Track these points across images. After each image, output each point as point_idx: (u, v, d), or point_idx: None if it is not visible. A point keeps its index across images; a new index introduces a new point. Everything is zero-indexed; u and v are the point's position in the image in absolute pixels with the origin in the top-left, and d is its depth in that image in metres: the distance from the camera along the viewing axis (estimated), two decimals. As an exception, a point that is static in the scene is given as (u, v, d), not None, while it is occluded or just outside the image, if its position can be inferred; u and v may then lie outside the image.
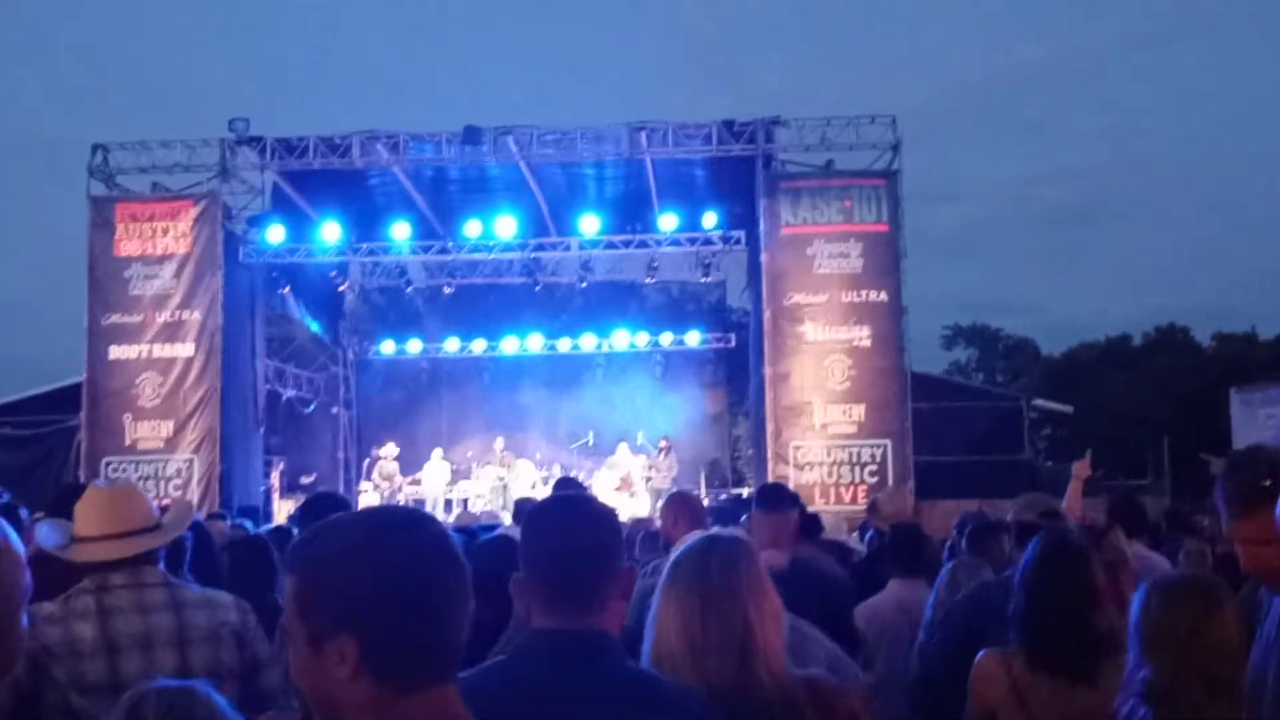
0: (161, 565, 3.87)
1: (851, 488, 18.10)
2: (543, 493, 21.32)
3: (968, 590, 4.87)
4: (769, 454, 18.51)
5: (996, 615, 3.94)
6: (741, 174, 19.58)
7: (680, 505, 5.25)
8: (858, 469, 18.33)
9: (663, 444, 21.91)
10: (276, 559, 5.66)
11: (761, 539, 4.36)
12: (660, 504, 5.72)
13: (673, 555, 2.70)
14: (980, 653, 3.68)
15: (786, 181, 19.03)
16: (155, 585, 3.77)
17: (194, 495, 18.56)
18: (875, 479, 18.09)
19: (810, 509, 16.27)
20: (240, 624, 3.83)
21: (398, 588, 1.74)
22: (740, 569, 2.63)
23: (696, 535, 2.82)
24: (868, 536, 7.66)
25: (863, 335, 18.60)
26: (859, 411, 18.48)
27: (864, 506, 12.16)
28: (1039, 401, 24.76)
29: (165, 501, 13.45)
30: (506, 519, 19.79)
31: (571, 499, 2.68)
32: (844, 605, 5.44)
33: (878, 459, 18.34)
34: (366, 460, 22.97)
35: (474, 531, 7.19)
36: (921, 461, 18.58)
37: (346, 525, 1.84)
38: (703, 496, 21.41)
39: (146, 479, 18.66)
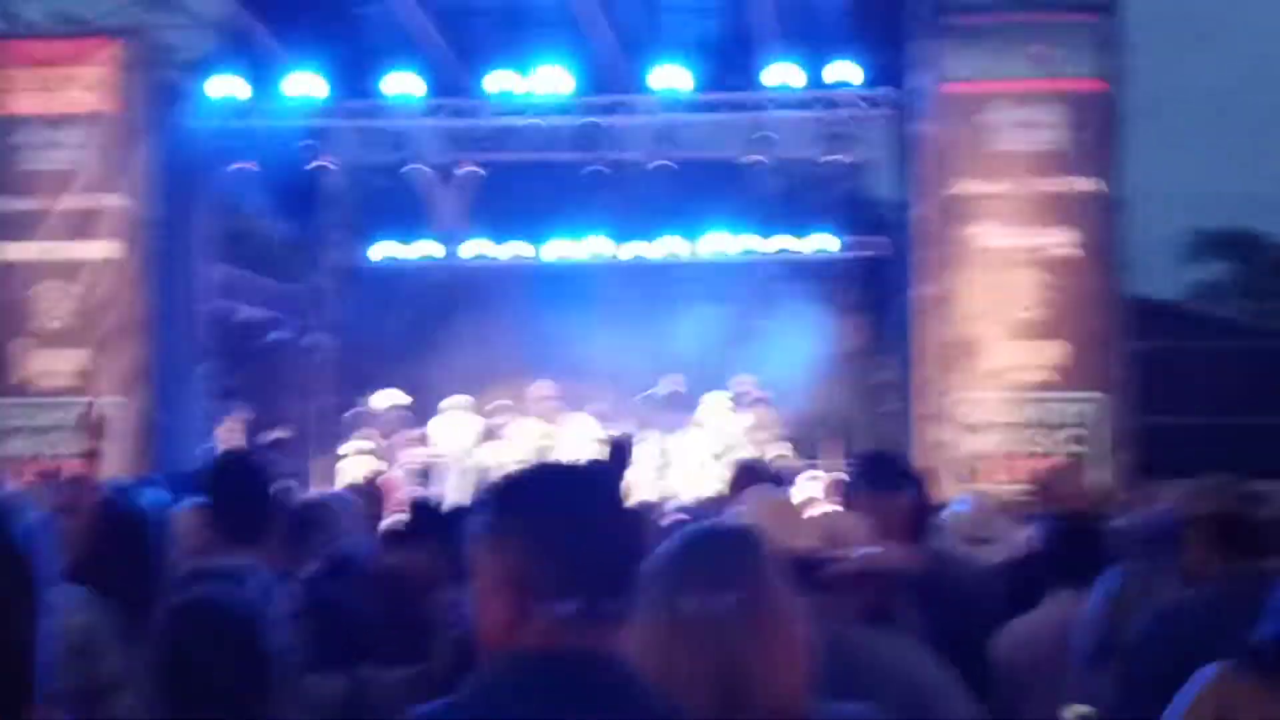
0: None
1: (1044, 461, 17.96)
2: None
3: (1158, 610, 4.86)
4: (923, 409, 18.46)
5: (1203, 650, 3.94)
6: (889, 6, 19.40)
7: (745, 480, 5.30)
8: (1054, 434, 18.28)
9: (748, 388, 21.79)
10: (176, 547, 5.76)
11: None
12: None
13: (654, 554, 2.72)
14: (1211, 668, 3.76)
15: (954, 17, 18.80)
16: None
17: (124, 453, 18.90)
18: (1080, 448, 18.00)
19: (980, 488, 16.32)
20: (87, 629, 3.89)
21: None
22: (731, 582, 2.64)
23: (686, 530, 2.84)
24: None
25: (1063, 241, 18.45)
26: (1056, 351, 18.36)
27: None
28: (1323, 340, 24.40)
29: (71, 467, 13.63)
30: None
31: (589, 470, 2.77)
32: (983, 628, 5.45)
33: (1085, 420, 18.26)
34: (350, 411, 23.17)
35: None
36: (1150, 425, 18.46)
37: None
38: (829, 468, 21.45)
39: (50, 430, 19.02)
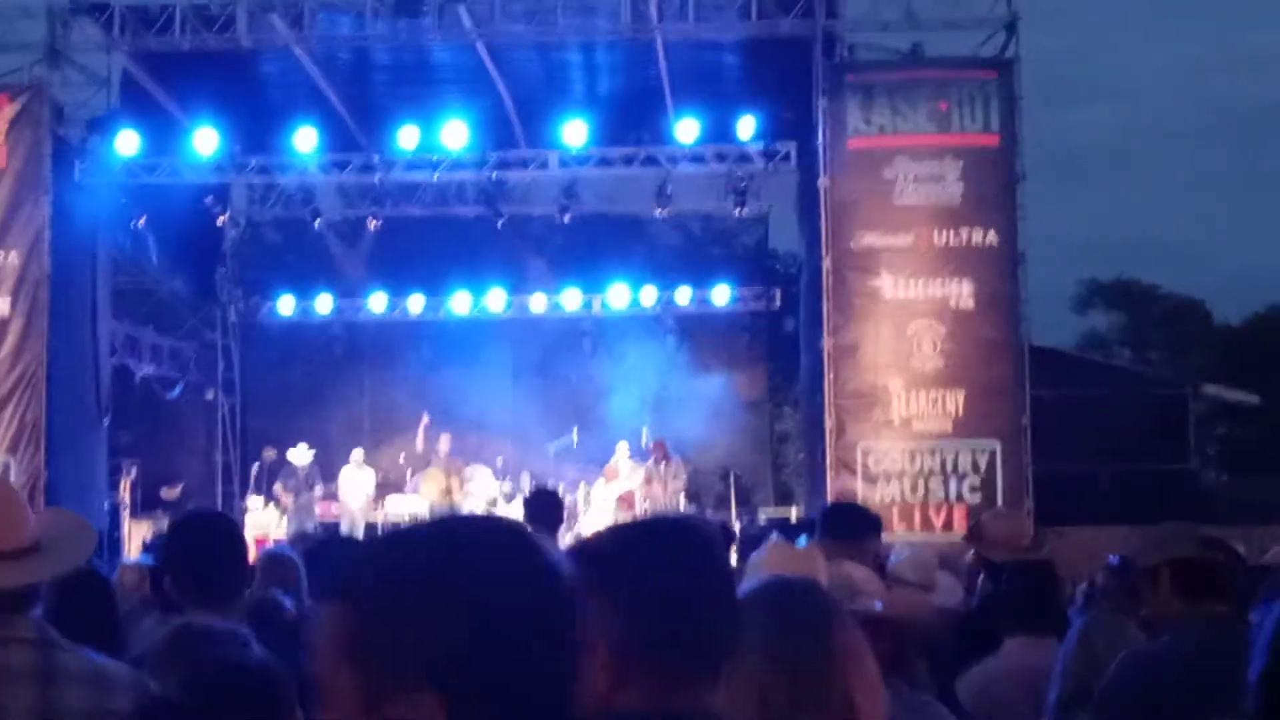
0: (38, 612, 3.84)
1: (944, 508, 18.19)
2: (505, 511, 21.42)
3: (1129, 658, 4.91)
4: (827, 459, 18.56)
5: (1177, 696, 4.01)
6: (792, 62, 19.55)
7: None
8: (954, 481, 18.41)
9: (654, 446, 21.89)
10: (121, 606, 5.68)
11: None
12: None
13: None
14: None
15: (856, 74, 19.02)
16: (23, 642, 3.72)
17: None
18: (978, 496, 18.14)
19: (884, 538, 16.46)
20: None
21: (506, 626, 1.78)
22: (836, 627, 2.66)
23: (760, 580, 2.84)
24: (978, 581, 7.66)
25: (963, 293, 18.63)
26: (956, 401, 18.53)
27: (960, 535, 12.17)
28: (1211, 388, 24.80)
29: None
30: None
31: (680, 520, 2.75)
32: (942, 674, 5.48)
33: (982, 468, 18.41)
34: (255, 465, 22.97)
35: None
36: (1044, 472, 18.65)
37: (427, 540, 1.87)
38: (732, 519, 21.53)
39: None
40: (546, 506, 8.97)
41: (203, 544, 4.78)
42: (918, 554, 7.08)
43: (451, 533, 1.89)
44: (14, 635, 3.70)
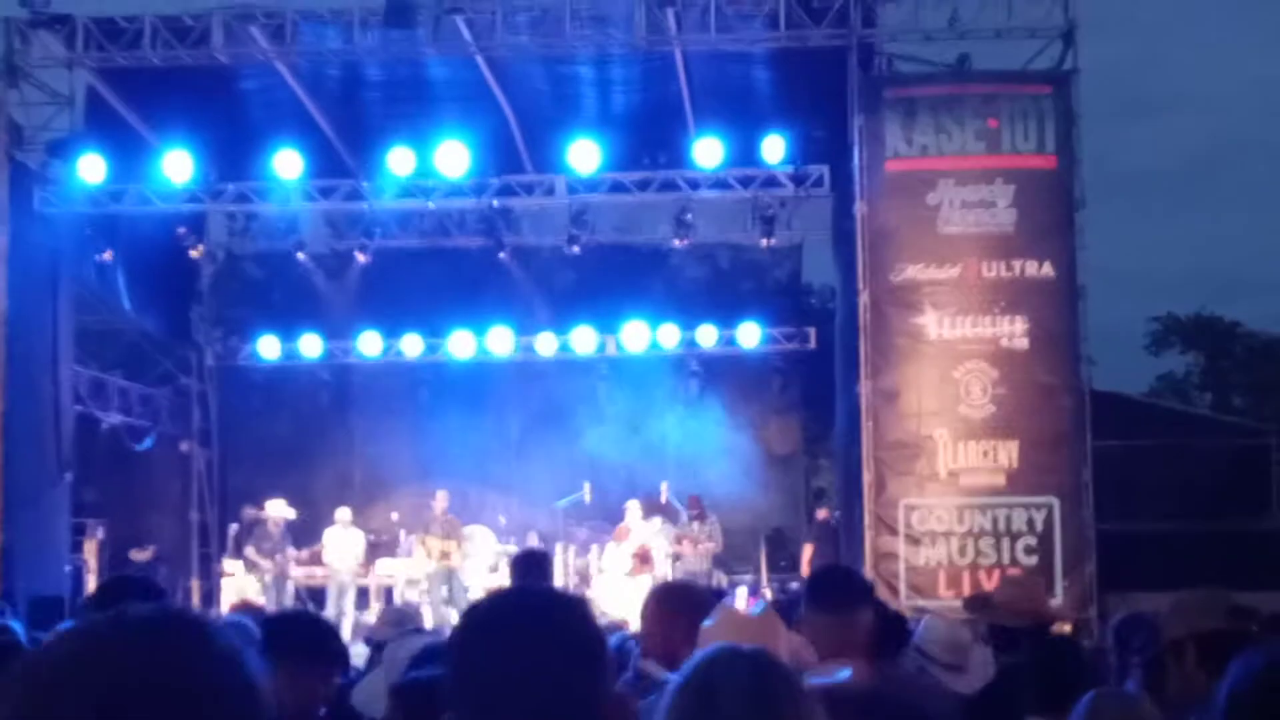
0: None
1: (996, 571, 18.00)
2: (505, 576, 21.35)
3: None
4: (866, 518, 18.49)
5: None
6: (824, 77, 19.55)
7: (676, 602, 5.19)
8: (1007, 543, 18.30)
9: (690, 502, 21.79)
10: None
11: (820, 653, 4.36)
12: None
13: (674, 682, 2.73)
14: None
15: (896, 88, 19.02)
16: None
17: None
18: (1034, 559, 18.02)
19: (927, 605, 16.29)
20: None
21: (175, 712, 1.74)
22: (800, 708, 2.61)
23: (707, 649, 2.80)
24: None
25: (1016, 331, 18.56)
26: (1010, 453, 18.43)
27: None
28: (1297, 437, 24.56)
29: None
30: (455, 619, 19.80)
31: (525, 595, 2.75)
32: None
33: (1039, 527, 18.28)
34: (234, 525, 22.94)
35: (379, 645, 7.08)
36: (1110, 532, 18.52)
37: (79, 634, 1.85)
38: (763, 583, 21.43)
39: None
40: (533, 570, 8.88)
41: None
42: (949, 631, 6.96)
43: (97, 628, 1.85)
44: None
